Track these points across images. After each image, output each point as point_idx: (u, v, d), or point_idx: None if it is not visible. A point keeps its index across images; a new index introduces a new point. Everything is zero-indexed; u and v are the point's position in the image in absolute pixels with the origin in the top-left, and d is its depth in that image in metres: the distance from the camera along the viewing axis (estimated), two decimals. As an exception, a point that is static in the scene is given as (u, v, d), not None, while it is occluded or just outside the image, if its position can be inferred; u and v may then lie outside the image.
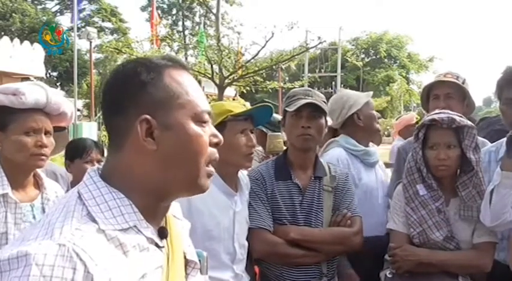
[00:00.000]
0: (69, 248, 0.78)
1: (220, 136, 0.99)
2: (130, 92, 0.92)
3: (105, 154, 2.57)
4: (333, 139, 2.72)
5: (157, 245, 0.93)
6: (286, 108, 2.14)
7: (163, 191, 0.94)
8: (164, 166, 0.91)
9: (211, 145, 0.97)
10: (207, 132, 0.96)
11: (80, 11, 13.28)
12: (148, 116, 0.90)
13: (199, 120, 0.95)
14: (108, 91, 0.95)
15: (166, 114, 0.91)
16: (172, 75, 0.94)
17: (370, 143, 2.72)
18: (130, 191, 0.91)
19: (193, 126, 0.93)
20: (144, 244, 0.89)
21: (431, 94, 2.54)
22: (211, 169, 0.97)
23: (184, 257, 1.02)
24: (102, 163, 2.94)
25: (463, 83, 2.50)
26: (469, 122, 2.02)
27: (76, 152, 2.62)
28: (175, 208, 1.09)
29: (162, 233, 0.95)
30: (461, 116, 2.03)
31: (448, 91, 2.47)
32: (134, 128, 0.90)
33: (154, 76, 0.92)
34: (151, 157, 0.91)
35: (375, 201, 2.50)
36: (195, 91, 0.96)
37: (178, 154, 0.92)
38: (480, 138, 2.40)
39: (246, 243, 2.03)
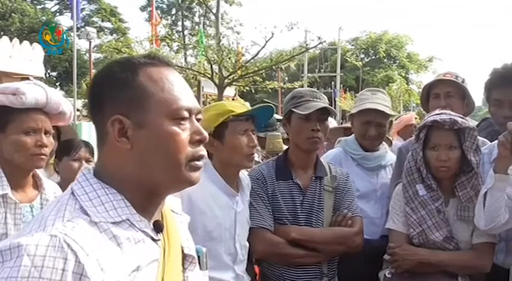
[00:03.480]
0: (60, 238, 0.79)
1: (205, 134, 0.96)
2: (106, 92, 0.93)
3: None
4: (341, 138, 2.74)
5: (152, 238, 0.93)
6: (295, 110, 2.12)
7: (149, 188, 0.94)
8: (141, 164, 0.92)
9: (194, 142, 0.94)
10: (187, 130, 0.94)
11: (80, 10, 13.26)
12: (120, 116, 0.90)
13: (176, 118, 0.92)
14: (89, 91, 0.97)
15: (140, 113, 0.91)
16: (149, 73, 0.93)
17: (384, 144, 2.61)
18: (120, 187, 0.92)
19: (168, 125, 0.92)
20: (138, 236, 0.90)
21: (431, 93, 2.54)
22: (199, 162, 0.95)
23: (182, 251, 1.02)
24: (91, 163, 2.91)
25: (462, 82, 2.51)
26: (471, 124, 2.03)
27: (64, 150, 2.62)
28: (174, 203, 1.09)
29: (158, 226, 0.95)
30: (462, 117, 2.03)
31: (448, 90, 2.47)
32: (107, 126, 0.91)
33: (129, 75, 0.92)
34: (127, 155, 0.91)
35: (366, 204, 2.42)
36: (173, 88, 0.94)
37: (154, 153, 0.91)
38: (480, 138, 2.40)
39: (247, 244, 2.02)
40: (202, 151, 0.96)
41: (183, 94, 0.95)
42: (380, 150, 2.54)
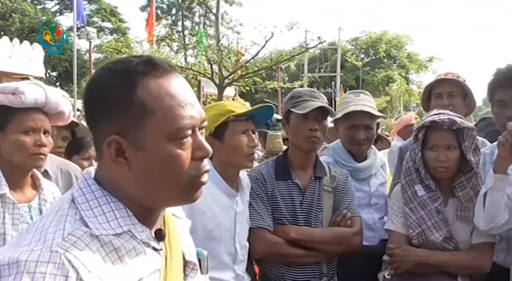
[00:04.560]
0: (61, 254, 0.77)
1: (207, 149, 0.90)
2: (101, 107, 0.87)
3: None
4: (327, 145, 2.65)
5: (154, 248, 0.91)
6: (293, 109, 2.12)
7: (149, 204, 0.91)
8: (139, 184, 0.87)
9: (196, 158, 0.89)
10: (188, 148, 0.88)
11: (82, 10, 13.30)
12: (117, 137, 0.85)
13: (176, 138, 0.86)
14: (84, 101, 0.91)
15: (138, 134, 0.85)
16: (148, 88, 0.85)
17: (374, 147, 2.50)
18: (121, 197, 0.89)
19: (168, 147, 0.86)
20: (139, 248, 0.87)
21: (433, 93, 2.53)
22: (202, 179, 0.91)
23: (184, 258, 1.01)
24: None
25: (464, 82, 2.51)
26: (470, 124, 2.02)
27: (74, 149, 2.63)
28: (175, 206, 1.07)
29: (159, 235, 0.93)
30: (461, 118, 2.03)
31: (450, 89, 2.47)
32: (103, 146, 0.86)
33: (127, 90, 0.85)
34: (126, 175, 0.87)
35: (360, 212, 2.29)
36: (174, 104, 0.86)
37: (153, 175, 0.87)
38: (480, 138, 2.40)
39: (247, 244, 2.02)
40: (206, 167, 0.91)
41: (185, 108, 0.87)
42: (370, 157, 2.44)
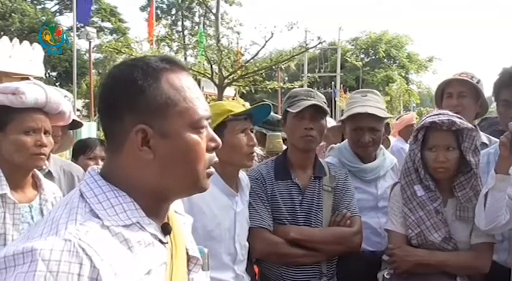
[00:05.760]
0: (75, 243, 0.79)
1: (219, 140, 0.98)
2: (126, 99, 0.90)
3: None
4: (334, 146, 2.63)
5: (161, 241, 0.93)
6: (288, 109, 2.13)
7: (162, 195, 0.94)
8: (161, 172, 0.91)
9: (209, 149, 0.96)
10: (204, 138, 0.95)
11: (88, 10, 13.29)
12: (144, 126, 0.89)
13: (197, 128, 0.93)
14: (103, 95, 0.94)
15: (163, 122, 0.90)
16: (170, 81, 0.92)
17: (382, 147, 2.45)
18: (129, 191, 0.91)
19: (191, 135, 0.92)
20: (148, 239, 0.90)
21: (445, 93, 2.54)
22: (211, 169, 0.97)
23: (187, 253, 1.03)
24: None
25: (477, 83, 2.49)
26: (469, 125, 2.02)
27: (80, 150, 2.64)
28: (177, 204, 1.09)
29: (166, 229, 0.95)
30: (461, 118, 2.03)
31: (461, 89, 2.47)
32: (130, 135, 0.90)
33: (152, 82, 0.90)
34: (147, 164, 0.91)
35: (366, 215, 2.28)
36: (193, 96, 0.94)
37: (175, 162, 0.92)
38: (493, 138, 2.39)
39: (247, 244, 2.03)
40: (214, 158, 0.98)
41: (200, 102, 0.95)
42: (378, 158, 2.39)
